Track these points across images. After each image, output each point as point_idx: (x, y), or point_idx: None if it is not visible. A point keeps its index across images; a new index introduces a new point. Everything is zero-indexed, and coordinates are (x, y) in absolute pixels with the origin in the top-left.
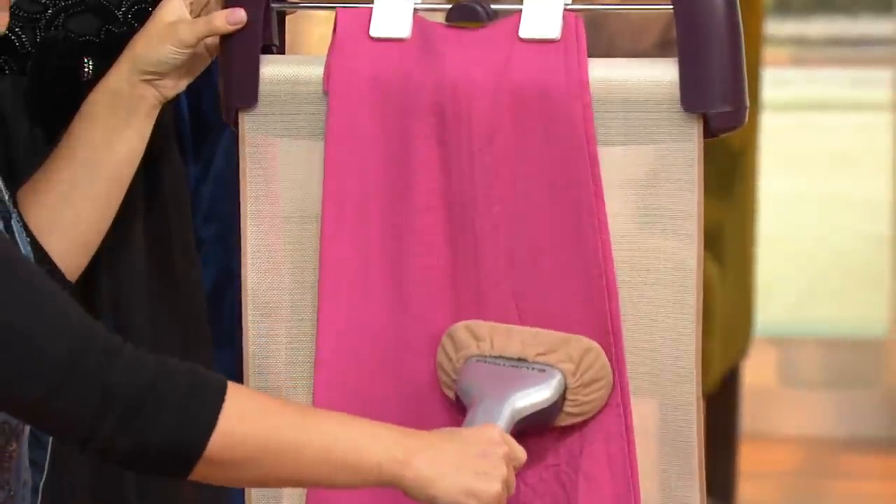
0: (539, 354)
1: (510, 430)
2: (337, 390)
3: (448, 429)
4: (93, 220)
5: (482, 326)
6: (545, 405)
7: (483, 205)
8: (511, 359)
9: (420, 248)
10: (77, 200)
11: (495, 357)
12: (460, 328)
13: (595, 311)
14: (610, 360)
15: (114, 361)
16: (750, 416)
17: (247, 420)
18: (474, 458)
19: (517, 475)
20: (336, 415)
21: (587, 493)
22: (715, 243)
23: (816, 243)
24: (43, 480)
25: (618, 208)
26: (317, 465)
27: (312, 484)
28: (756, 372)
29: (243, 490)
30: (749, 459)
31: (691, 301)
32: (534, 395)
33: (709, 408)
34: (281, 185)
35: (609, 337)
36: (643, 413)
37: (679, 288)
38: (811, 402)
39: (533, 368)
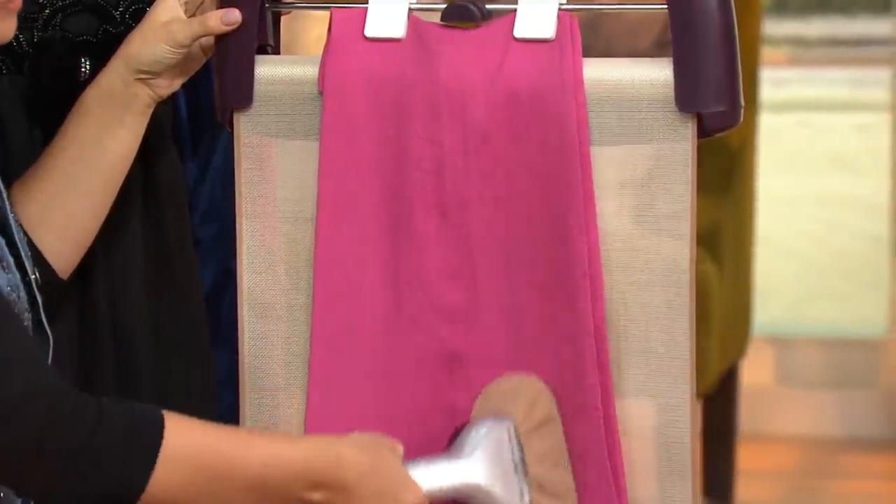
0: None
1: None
2: (330, 391)
3: (376, 466)
4: (85, 218)
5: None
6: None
7: (477, 204)
8: (520, 462)
9: (414, 249)
10: (69, 198)
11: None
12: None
13: (579, 311)
14: (590, 362)
15: (55, 413)
16: (748, 415)
17: (181, 459)
18: (387, 498)
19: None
20: (264, 444)
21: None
22: (713, 243)
23: (814, 243)
24: None
25: (612, 208)
26: (250, 489)
27: (252, 501)
28: (754, 372)
29: None
30: (747, 459)
31: (685, 301)
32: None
33: (707, 408)
34: (276, 186)
35: (591, 338)
36: (637, 413)
37: (673, 288)
38: (809, 402)
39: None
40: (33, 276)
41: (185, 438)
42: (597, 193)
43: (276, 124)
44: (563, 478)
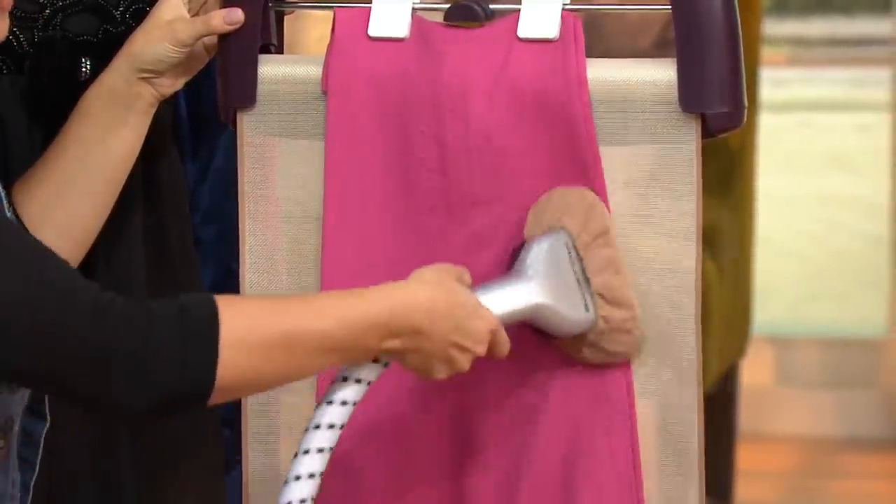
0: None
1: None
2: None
3: (447, 301)
4: (86, 217)
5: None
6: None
7: (482, 204)
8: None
9: (420, 248)
10: (71, 196)
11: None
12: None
13: None
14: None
15: (104, 322)
16: (748, 415)
17: (245, 340)
18: (461, 331)
19: (517, 471)
20: (328, 304)
21: (588, 490)
22: (713, 243)
23: (814, 243)
24: (34, 478)
25: (616, 208)
26: (323, 351)
27: (327, 366)
28: (754, 372)
29: (240, 487)
30: (747, 459)
31: (690, 301)
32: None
33: (707, 407)
34: (279, 185)
35: None
36: (643, 413)
37: (678, 288)
38: (809, 402)
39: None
40: None
41: (241, 319)
42: None
43: (279, 124)
44: (625, 285)
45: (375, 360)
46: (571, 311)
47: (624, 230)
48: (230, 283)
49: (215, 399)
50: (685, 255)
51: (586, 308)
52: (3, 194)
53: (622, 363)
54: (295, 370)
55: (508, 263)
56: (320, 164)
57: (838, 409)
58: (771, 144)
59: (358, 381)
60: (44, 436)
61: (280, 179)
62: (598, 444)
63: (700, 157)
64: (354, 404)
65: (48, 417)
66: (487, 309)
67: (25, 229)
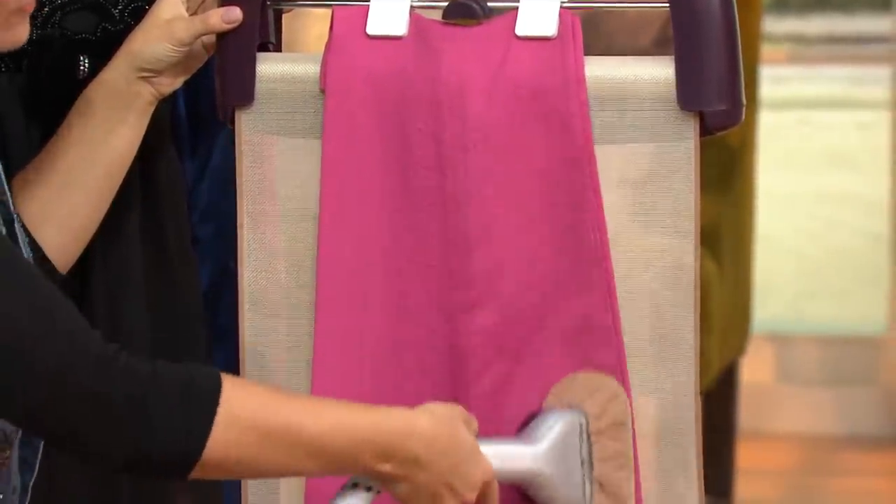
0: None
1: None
2: (334, 390)
3: (450, 439)
4: (85, 214)
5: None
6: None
7: (478, 203)
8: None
9: (417, 247)
10: (69, 194)
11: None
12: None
13: (596, 308)
14: (612, 355)
15: (107, 371)
16: (748, 413)
17: (242, 423)
18: (457, 474)
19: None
20: (330, 409)
21: None
22: (713, 241)
23: (814, 241)
24: (33, 479)
25: (614, 206)
26: (314, 454)
27: (314, 472)
28: (754, 369)
29: (240, 492)
30: (747, 457)
31: (689, 299)
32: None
33: (706, 405)
34: (278, 184)
35: (612, 331)
36: (642, 411)
37: (676, 286)
38: (809, 400)
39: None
40: None
41: (243, 401)
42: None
43: (277, 122)
44: (627, 483)
45: (368, 488)
46: (568, 491)
47: (622, 228)
48: (227, 281)
49: (196, 473)
50: (683, 253)
51: (584, 492)
52: (8, 191)
53: (620, 362)
54: (283, 465)
55: (519, 427)
56: (318, 163)
57: (838, 406)
58: (770, 142)
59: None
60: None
61: (278, 178)
62: None
63: (698, 155)
64: None
65: None
66: (486, 459)
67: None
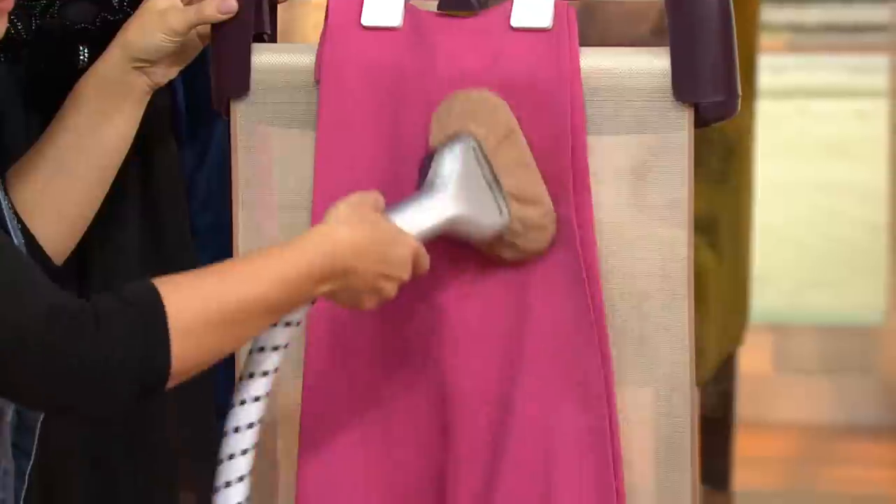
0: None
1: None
2: (326, 379)
3: (368, 237)
4: (80, 204)
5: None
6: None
7: None
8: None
9: None
10: (64, 184)
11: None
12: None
13: (576, 303)
14: (591, 343)
15: (57, 324)
16: (746, 402)
17: (193, 322)
18: (385, 262)
19: (500, 472)
20: (262, 269)
21: (566, 488)
22: (711, 230)
23: (812, 230)
24: (30, 466)
25: (609, 197)
26: (267, 313)
27: (272, 323)
28: (752, 359)
29: None
30: (745, 446)
31: (683, 290)
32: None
33: (704, 395)
34: (273, 174)
35: (592, 329)
36: (637, 402)
37: (671, 277)
38: (807, 389)
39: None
40: None
41: (186, 302)
42: (593, 182)
43: (272, 113)
44: (536, 182)
45: (287, 324)
46: (485, 217)
47: (617, 218)
48: None
49: (171, 384)
50: (678, 244)
51: (499, 211)
52: (4, 201)
53: (602, 351)
54: (243, 338)
55: (418, 176)
56: (313, 153)
57: (836, 395)
58: (769, 131)
59: (287, 324)
60: (40, 423)
61: (273, 168)
62: (575, 432)
63: (692, 146)
64: (286, 347)
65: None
66: (406, 233)
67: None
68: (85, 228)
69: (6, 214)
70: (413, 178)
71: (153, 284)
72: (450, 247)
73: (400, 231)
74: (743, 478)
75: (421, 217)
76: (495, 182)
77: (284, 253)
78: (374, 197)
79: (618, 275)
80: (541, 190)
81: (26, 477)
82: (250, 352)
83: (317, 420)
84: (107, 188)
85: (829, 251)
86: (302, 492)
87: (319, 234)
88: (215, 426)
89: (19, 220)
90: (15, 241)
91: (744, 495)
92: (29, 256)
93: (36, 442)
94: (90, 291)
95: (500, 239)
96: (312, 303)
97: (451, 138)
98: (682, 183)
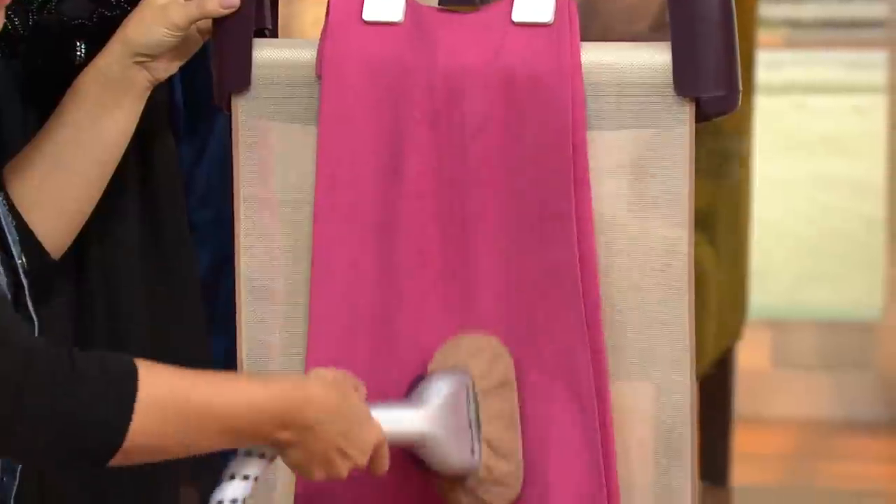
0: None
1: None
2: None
3: (340, 406)
4: (78, 200)
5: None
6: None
7: (474, 189)
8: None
9: (411, 233)
10: (62, 179)
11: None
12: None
13: (571, 301)
14: (582, 348)
15: (27, 369)
16: (744, 398)
17: (160, 408)
18: (348, 438)
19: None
20: (235, 389)
21: (557, 489)
22: (709, 226)
23: (810, 226)
24: (15, 488)
25: (609, 193)
26: (226, 432)
27: (223, 447)
28: (750, 354)
29: None
30: (743, 442)
31: (683, 285)
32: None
33: (703, 390)
34: (274, 169)
35: (583, 325)
36: (636, 397)
37: (671, 272)
38: (805, 385)
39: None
40: (19, 261)
41: (159, 387)
42: (594, 178)
43: (274, 108)
44: (515, 442)
45: (261, 456)
46: (457, 451)
47: (616, 214)
48: (226, 267)
49: (117, 461)
50: (678, 239)
51: (472, 451)
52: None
53: (597, 348)
54: (196, 445)
55: (406, 391)
56: (314, 148)
57: (834, 391)
58: (766, 127)
59: (246, 477)
60: None
61: (275, 163)
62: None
63: (693, 141)
64: (244, 501)
65: None
66: (375, 422)
67: None
68: (82, 224)
69: (1, 212)
70: (413, 173)
71: (131, 358)
72: None
73: (371, 418)
74: (741, 473)
75: (396, 419)
76: (477, 424)
77: (260, 383)
78: (358, 382)
79: (617, 270)
80: (516, 449)
81: (17, 474)
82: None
83: None
84: (105, 183)
85: (827, 246)
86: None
87: (298, 381)
88: None
89: (15, 217)
90: (10, 238)
91: (742, 491)
92: (5, 299)
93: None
94: (89, 287)
95: (462, 482)
96: (271, 460)
97: (450, 369)
98: (682, 178)
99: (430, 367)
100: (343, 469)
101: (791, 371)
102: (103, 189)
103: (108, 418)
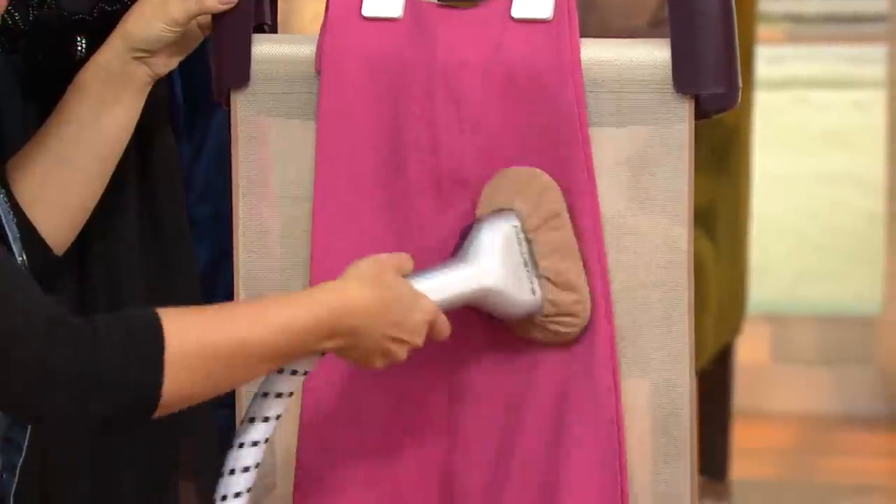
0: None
1: (452, 304)
2: (327, 368)
3: (382, 298)
4: (80, 195)
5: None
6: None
7: (470, 185)
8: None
9: (410, 229)
10: (64, 174)
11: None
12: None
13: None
14: (601, 336)
15: (54, 338)
16: (743, 393)
17: (189, 356)
18: (397, 326)
19: (505, 459)
20: (268, 314)
21: (572, 479)
22: (709, 221)
23: (810, 220)
24: (21, 460)
25: (609, 189)
26: (266, 360)
27: (268, 371)
28: (750, 349)
29: None
30: (742, 436)
31: (683, 281)
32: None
33: (702, 385)
34: (273, 165)
35: (601, 316)
36: (635, 392)
37: (670, 268)
38: (805, 379)
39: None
40: (20, 258)
41: (185, 333)
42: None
43: (272, 103)
44: (575, 269)
45: (294, 372)
46: (518, 295)
47: (616, 210)
48: (225, 262)
49: (161, 412)
50: (677, 235)
51: (533, 291)
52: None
53: (609, 344)
54: (238, 380)
55: (457, 242)
56: (313, 144)
57: (834, 386)
58: (767, 122)
59: (294, 372)
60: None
61: (274, 159)
62: (582, 427)
63: (693, 138)
64: (290, 395)
65: None
66: (426, 299)
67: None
68: (84, 219)
69: (2, 212)
70: (412, 169)
71: (155, 311)
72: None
73: (418, 296)
74: (740, 468)
75: (449, 284)
76: (533, 262)
77: (292, 302)
78: (400, 260)
79: (616, 266)
80: (578, 277)
81: (17, 472)
82: (254, 396)
83: (315, 404)
84: (107, 178)
85: (827, 241)
86: (300, 476)
87: (331, 289)
88: (215, 416)
89: (16, 214)
90: (10, 235)
91: (741, 485)
92: (27, 272)
93: (28, 438)
94: (91, 282)
95: (530, 319)
96: (322, 354)
97: (495, 212)
98: (682, 174)
99: (478, 210)
100: (402, 353)
101: (790, 366)
102: (105, 184)
103: (141, 380)
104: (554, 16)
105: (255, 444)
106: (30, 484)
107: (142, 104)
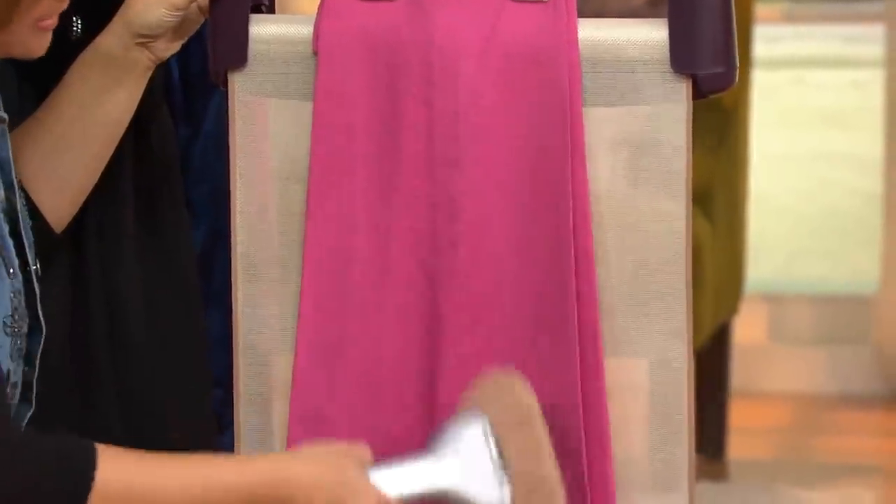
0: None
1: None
2: (318, 351)
3: (324, 479)
4: (79, 176)
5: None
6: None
7: (467, 166)
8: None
9: (405, 209)
10: (65, 156)
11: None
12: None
13: (561, 277)
14: (571, 324)
15: None
16: (740, 372)
17: (113, 499)
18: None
19: None
20: (205, 470)
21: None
22: (706, 200)
23: (807, 200)
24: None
25: (606, 169)
26: None
27: None
28: (746, 329)
29: (233, 448)
30: (739, 416)
31: (680, 261)
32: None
33: (699, 364)
34: (270, 145)
35: (572, 303)
36: (633, 371)
37: (668, 248)
38: (801, 359)
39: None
40: (34, 267)
41: (117, 472)
42: (591, 154)
43: (270, 84)
44: (547, 473)
45: None
46: (482, 495)
47: (615, 190)
48: (221, 243)
49: None
50: (675, 215)
51: (500, 493)
52: (16, 182)
53: (592, 324)
54: None
55: (426, 443)
56: (310, 124)
57: (830, 365)
58: (764, 101)
59: None
60: (27, 420)
61: (271, 139)
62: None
63: (691, 118)
64: None
65: (34, 403)
66: (371, 487)
67: None
68: (83, 199)
69: (20, 217)
70: (408, 150)
71: (93, 445)
72: None
73: (368, 486)
74: (737, 447)
75: (411, 478)
76: (502, 463)
77: (234, 466)
78: (360, 450)
79: (614, 246)
80: (552, 482)
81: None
82: None
83: (308, 392)
84: (107, 159)
85: (823, 221)
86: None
87: (276, 460)
88: (212, 396)
89: (26, 199)
90: (26, 242)
91: (738, 464)
92: None
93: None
94: (86, 265)
95: None
96: None
97: (469, 410)
98: (680, 154)
99: (458, 408)
100: None
101: (787, 345)
102: (104, 165)
103: None
104: None
105: None
106: None
107: (143, 88)
